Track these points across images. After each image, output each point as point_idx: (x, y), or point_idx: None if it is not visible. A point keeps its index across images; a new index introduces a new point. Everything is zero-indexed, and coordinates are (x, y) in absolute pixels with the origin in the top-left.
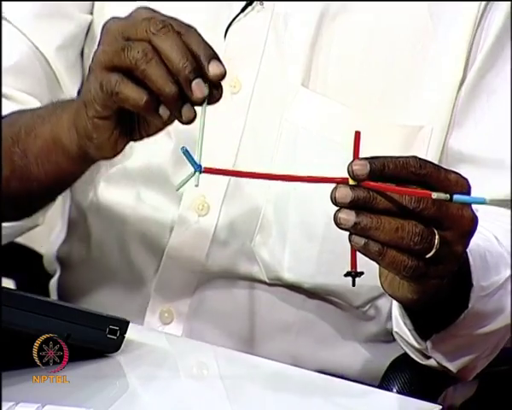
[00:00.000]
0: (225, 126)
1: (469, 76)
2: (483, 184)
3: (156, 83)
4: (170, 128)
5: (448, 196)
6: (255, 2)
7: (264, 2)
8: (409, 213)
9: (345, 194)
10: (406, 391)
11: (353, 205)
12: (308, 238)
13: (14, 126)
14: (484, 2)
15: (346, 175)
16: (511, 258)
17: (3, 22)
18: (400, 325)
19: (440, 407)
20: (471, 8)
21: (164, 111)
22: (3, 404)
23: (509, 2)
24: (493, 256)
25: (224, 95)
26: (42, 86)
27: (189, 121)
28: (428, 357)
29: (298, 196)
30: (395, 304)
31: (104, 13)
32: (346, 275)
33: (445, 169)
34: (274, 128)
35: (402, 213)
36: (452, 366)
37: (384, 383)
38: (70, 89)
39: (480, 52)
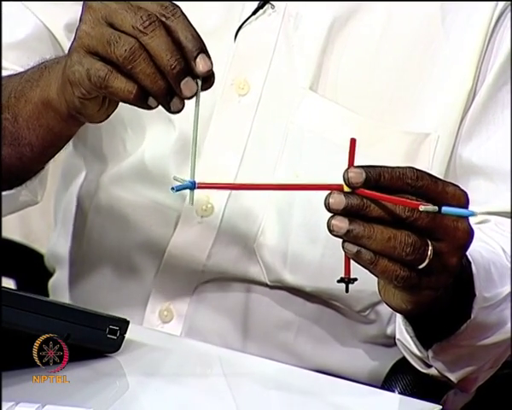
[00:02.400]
0: (232, 128)
1: (483, 88)
2: (495, 196)
3: (145, 81)
4: (173, 118)
5: (436, 207)
6: (266, 6)
7: (276, 6)
8: (402, 223)
9: (338, 201)
10: (408, 393)
11: (347, 212)
12: (310, 241)
13: (4, 92)
14: (497, 13)
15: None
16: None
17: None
18: (403, 332)
19: (440, 407)
20: (483, 19)
21: (153, 102)
22: (3, 404)
23: None
24: (498, 268)
25: (231, 97)
26: None
27: (178, 111)
28: (430, 366)
29: (301, 199)
30: None
31: None
32: (339, 281)
33: (442, 181)
34: (280, 131)
35: (395, 223)
36: (453, 376)
37: (386, 384)
38: None
39: (493, 65)
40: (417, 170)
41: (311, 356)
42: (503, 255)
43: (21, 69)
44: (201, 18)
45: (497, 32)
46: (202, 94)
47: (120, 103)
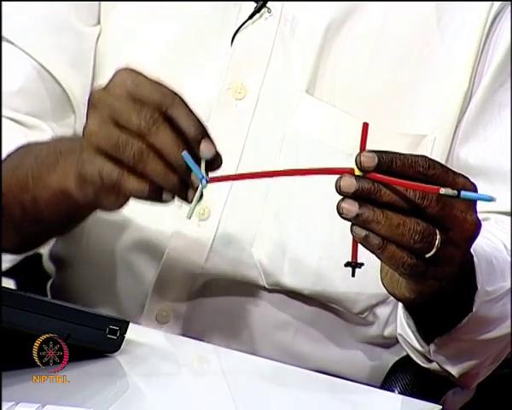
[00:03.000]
0: (229, 132)
1: (480, 90)
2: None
3: (156, 178)
4: None
5: (456, 192)
6: (263, 10)
7: (272, 10)
8: (412, 209)
9: (349, 183)
10: (408, 393)
11: (357, 195)
12: (308, 244)
13: (21, 169)
14: (492, 14)
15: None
16: None
17: (6, 44)
18: (404, 327)
19: (441, 407)
20: (479, 20)
21: (168, 196)
22: (3, 404)
23: None
24: (500, 263)
25: (228, 101)
26: (46, 107)
27: (199, 201)
28: (431, 360)
29: (298, 202)
30: (400, 306)
31: (112, 18)
32: (346, 265)
33: (453, 171)
34: (277, 134)
35: (406, 208)
36: (454, 370)
37: (386, 384)
38: (82, 107)
39: (489, 66)
40: (429, 159)
41: (309, 357)
42: (504, 251)
43: (25, 117)
44: (197, 22)
45: (493, 32)
46: (199, 97)
47: None
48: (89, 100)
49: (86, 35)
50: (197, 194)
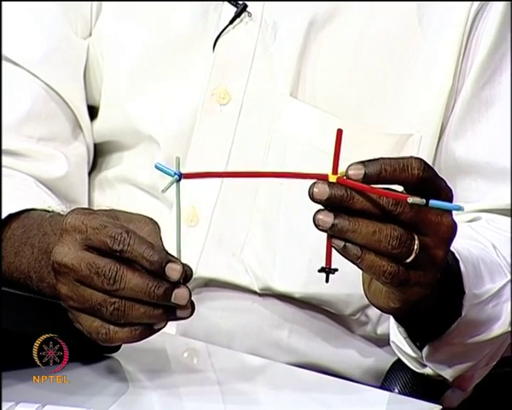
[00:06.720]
0: (215, 137)
1: (465, 88)
2: (485, 195)
3: (143, 321)
4: (158, 138)
5: (424, 200)
6: (243, 14)
7: (252, 14)
8: (387, 216)
9: (322, 191)
10: (408, 392)
11: (330, 203)
12: (298, 248)
13: (21, 259)
14: (473, 11)
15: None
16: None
17: (9, 65)
18: (396, 334)
19: (441, 407)
20: (460, 18)
21: (159, 325)
22: (3, 404)
23: (500, 12)
24: (487, 264)
25: (212, 107)
26: (63, 124)
27: (191, 314)
28: (425, 365)
29: (286, 206)
30: None
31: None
32: (320, 271)
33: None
34: (263, 139)
35: (381, 216)
36: (448, 375)
37: (385, 383)
38: (86, 120)
39: (472, 64)
40: (422, 160)
41: (305, 354)
42: (493, 251)
43: (37, 148)
44: (178, 28)
45: (475, 29)
46: (184, 104)
47: (113, 130)
48: (52, 265)
49: (83, 48)
50: (176, 191)
